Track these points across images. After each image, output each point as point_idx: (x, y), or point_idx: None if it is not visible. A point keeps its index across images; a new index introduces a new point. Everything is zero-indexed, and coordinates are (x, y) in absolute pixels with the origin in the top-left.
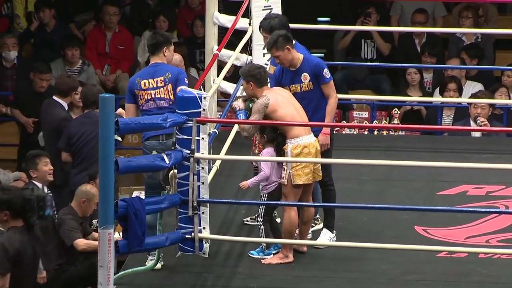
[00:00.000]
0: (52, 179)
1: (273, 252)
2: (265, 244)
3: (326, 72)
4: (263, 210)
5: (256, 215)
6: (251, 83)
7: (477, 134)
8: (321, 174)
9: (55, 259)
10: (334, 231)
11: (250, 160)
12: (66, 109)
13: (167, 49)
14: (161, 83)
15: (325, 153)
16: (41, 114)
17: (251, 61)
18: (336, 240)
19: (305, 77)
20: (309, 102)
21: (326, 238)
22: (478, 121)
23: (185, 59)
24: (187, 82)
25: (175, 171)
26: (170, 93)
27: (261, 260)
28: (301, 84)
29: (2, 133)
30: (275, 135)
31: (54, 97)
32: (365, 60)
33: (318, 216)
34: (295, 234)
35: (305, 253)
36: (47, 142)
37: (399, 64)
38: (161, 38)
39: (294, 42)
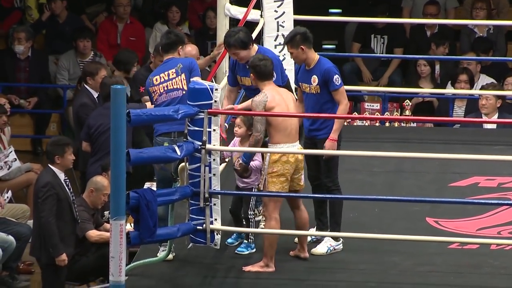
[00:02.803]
0: (70, 167)
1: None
2: (253, 237)
3: (337, 78)
4: (254, 203)
5: (248, 208)
6: (251, 74)
7: (489, 126)
8: (302, 183)
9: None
10: (341, 239)
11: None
12: (95, 96)
13: (182, 48)
14: (173, 74)
15: (330, 159)
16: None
17: None
18: (343, 241)
19: (314, 79)
20: (314, 105)
21: (325, 246)
22: None
23: None
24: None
25: (186, 164)
26: (183, 83)
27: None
28: (310, 85)
29: (15, 125)
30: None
31: (85, 85)
32: (375, 53)
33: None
34: (273, 246)
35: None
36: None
37: (410, 56)
38: (176, 38)
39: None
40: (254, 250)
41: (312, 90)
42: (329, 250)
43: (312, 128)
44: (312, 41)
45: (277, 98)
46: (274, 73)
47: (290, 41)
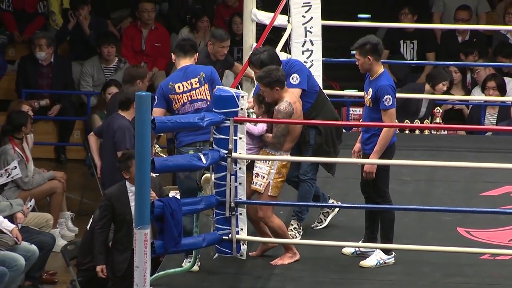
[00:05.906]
0: None
1: None
2: None
3: (387, 98)
4: None
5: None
6: (276, 88)
7: None
8: None
9: (89, 259)
10: (393, 253)
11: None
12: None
13: (196, 54)
14: (196, 84)
15: (381, 172)
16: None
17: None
18: (395, 262)
19: (369, 92)
20: (365, 117)
21: (375, 259)
22: None
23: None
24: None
25: (211, 174)
26: (207, 94)
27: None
28: (367, 96)
29: (38, 132)
30: (270, 105)
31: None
32: (405, 59)
33: (326, 211)
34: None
35: (345, 256)
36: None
37: (439, 62)
38: (194, 43)
39: (288, 57)
40: None
41: (367, 102)
42: (378, 263)
43: (362, 141)
44: (382, 54)
45: (297, 106)
46: (298, 76)
47: (359, 48)
